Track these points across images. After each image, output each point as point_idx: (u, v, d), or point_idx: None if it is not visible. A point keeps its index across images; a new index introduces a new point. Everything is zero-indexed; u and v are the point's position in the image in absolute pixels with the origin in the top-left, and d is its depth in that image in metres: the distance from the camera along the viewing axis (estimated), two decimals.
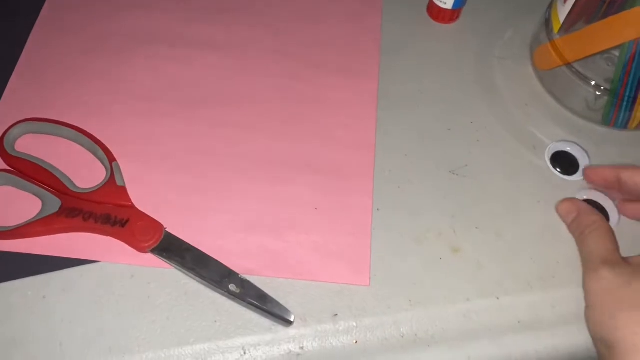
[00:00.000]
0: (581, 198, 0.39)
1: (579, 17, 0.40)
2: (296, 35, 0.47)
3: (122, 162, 0.39)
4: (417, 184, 0.40)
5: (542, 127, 0.43)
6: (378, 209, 0.39)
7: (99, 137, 0.40)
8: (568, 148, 0.41)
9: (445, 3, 0.46)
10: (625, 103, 0.39)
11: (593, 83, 0.40)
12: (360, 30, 0.47)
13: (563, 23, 0.40)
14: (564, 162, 0.41)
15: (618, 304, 0.31)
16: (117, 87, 0.43)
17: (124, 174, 0.38)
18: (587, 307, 0.33)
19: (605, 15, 0.37)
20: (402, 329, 0.35)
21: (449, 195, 0.40)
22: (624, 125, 0.41)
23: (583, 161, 0.41)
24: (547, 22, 0.42)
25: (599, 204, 0.39)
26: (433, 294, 0.36)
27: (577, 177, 0.40)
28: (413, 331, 0.35)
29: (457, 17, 0.48)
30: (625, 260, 0.34)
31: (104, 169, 0.39)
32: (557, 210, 0.39)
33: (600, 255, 0.34)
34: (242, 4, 0.48)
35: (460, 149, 0.42)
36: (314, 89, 0.44)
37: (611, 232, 0.35)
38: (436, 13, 0.47)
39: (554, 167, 0.41)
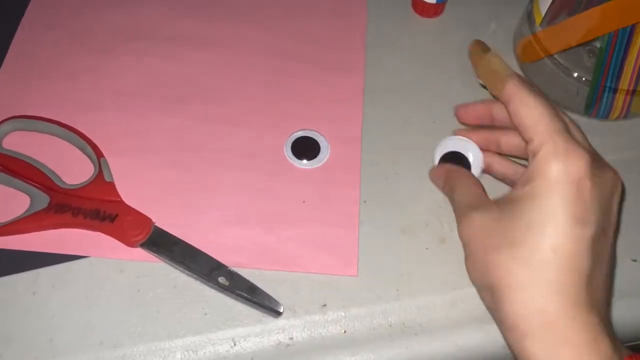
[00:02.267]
0: (446, 150, 0.38)
1: (561, 9, 0.40)
2: (282, 31, 0.47)
3: (110, 158, 0.39)
4: (403, 176, 0.40)
5: None
6: (365, 201, 0.39)
7: (86, 134, 0.40)
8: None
9: None
10: (606, 94, 0.40)
11: (575, 74, 0.41)
12: (346, 25, 0.47)
13: (545, 16, 0.41)
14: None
15: (489, 246, 0.30)
16: (105, 84, 0.43)
17: (112, 170, 0.38)
18: (465, 258, 0.32)
19: (587, 7, 0.38)
20: (390, 319, 0.35)
21: (435, 187, 0.40)
22: (606, 116, 0.42)
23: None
24: (530, 15, 0.43)
25: (462, 154, 0.38)
26: (420, 284, 0.36)
27: None
28: (401, 320, 0.35)
29: (441, 11, 0.48)
30: (494, 201, 0.32)
31: (92, 165, 0.39)
32: (430, 179, 0.39)
33: (469, 202, 0.33)
34: (228, 3, 0.49)
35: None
36: (300, 84, 0.44)
37: (476, 180, 0.35)
38: (420, 7, 0.48)
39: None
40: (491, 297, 0.30)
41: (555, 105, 0.32)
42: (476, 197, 0.33)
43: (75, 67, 0.44)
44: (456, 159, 0.38)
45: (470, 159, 0.38)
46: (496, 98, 0.33)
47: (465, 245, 0.32)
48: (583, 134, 0.32)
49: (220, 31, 0.47)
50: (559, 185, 0.28)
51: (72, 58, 0.44)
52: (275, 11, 0.48)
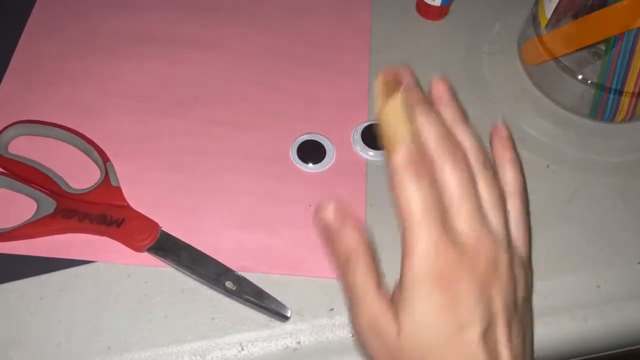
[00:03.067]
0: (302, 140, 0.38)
1: (566, 12, 0.40)
2: (286, 33, 0.47)
3: (116, 162, 0.39)
4: None
5: (530, 120, 0.44)
6: (371, 205, 0.39)
7: (92, 138, 0.40)
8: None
9: (434, 0, 0.46)
10: (611, 96, 0.40)
11: (580, 77, 0.41)
12: (350, 27, 0.47)
13: (550, 18, 0.41)
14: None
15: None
16: (110, 87, 0.43)
17: (118, 174, 0.38)
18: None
19: (591, 10, 0.38)
20: None
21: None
22: (611, 119, 0.42)
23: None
24: (534, 18, 0.43)
25: (318, 143, 0.39)
26: None
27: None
28: None
29: (446, 13, 0.48)
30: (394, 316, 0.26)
31: (98, 169, 0.39)
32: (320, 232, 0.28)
33: (366, 314, 0.26)
34: (232, 2, 0.49)
35: None
36: (305, 86, 0.44)
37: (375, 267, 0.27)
38: (425, 10, 0.48)
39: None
40: None
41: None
42: (377, 310, 0.26)
43: (80, 71, 0.44)
44: (312, 147, 0.40)
45: (328, 146, 0.39)
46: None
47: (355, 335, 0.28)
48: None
49: (225, 34, 0.47)
50: (422, 288, 0.24)
51: (76, 62, 0.44)
52: (280, 14, 0.48)
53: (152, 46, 0.45)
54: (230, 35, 0.47)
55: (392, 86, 0.27)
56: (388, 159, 0.26)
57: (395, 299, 0.26)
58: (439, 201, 0.25)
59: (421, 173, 0.25)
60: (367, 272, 0.26)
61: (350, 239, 0.27)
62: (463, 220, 0.25)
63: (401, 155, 0.25)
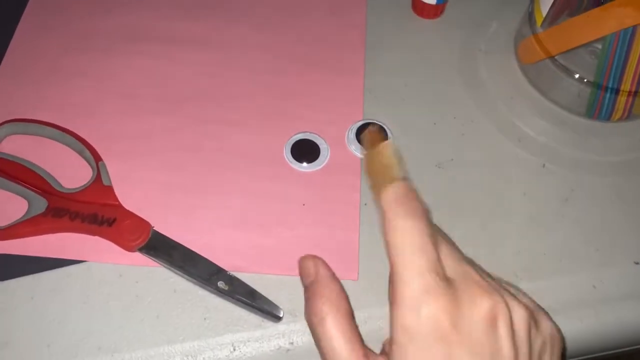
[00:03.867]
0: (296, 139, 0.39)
1: (562, 10, 0.40)
2: (281, 32, 0.47)
3: (108, 161, 0.39)
4: None
5: (527, 119, 0.43)
6: (366, 204, 0.39)
7: (84, 136, 0.39)
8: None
9: None
10: (608, 95, 0.40)
11: (577, 76, 0.41)
12: (345, 25, 0.47)
13: (546, 16, 0.41)
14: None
15: None
16: (102, 86, 0.43)
17: (110, 173, 0.38)
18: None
19: (588, 7, 0.37)
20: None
21: (435, 189, 0.40)
22: (607, 117, 0.42)
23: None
24: (531, 16, 0.43)
25: (313, 142, 0.39)
26: None
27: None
28: None
29: (442, 12, 0.48)
30: None
31: (90, 168, 0.39)
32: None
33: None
34: (226, 1, 0.48)
35: (446, 142, 0.42)
36: (300, 85, 0.44)
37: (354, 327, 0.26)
38: (420, 8, 0.48)
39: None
40: None
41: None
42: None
43: (73, 70, 0.44)
44: (306, 145, 0.40)
45: (323, 145, 0.39)
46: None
47: None
48: (480, 269, 0.26)
49: (218, 32, 0.46)
50: (417, 348, 0.22)
51: (69, 60, 0.44)
52: (274, 12, 0.48)
53: (146, 44, 0.45)
54: (224, 34, 0.46)
55: (378, 137, 0.27)
56: (376, 198, 0.25)
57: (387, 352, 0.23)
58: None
59: (415, 207, 0.24)
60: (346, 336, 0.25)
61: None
62: (463, 267, 0.24)
63: (395, 190, 0.24)
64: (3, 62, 0.44)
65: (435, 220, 0.38)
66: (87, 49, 0.45)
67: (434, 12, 0.48)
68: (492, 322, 0.22)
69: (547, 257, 0.38)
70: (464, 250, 0.37)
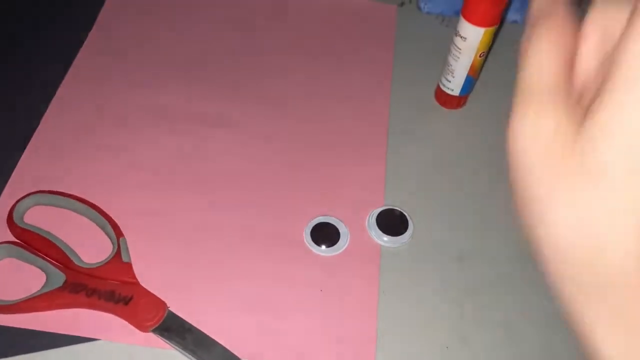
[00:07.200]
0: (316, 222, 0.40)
1: None
2: (306, 117, 0.48)
3: (129, 236, 0.39)
4: (424, 268, 0.40)
5: None
6: (384, 292, 0.38)
7: (107, 210, 0.40)
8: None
9: (453, 90, 0.47)
10: None
11: None
12: (369, 113, 0.48)
13: None
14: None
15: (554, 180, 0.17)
16: (128, 161, 0.44)
17: (130, 249, 0.38)
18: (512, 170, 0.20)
19: None
20: None
21: (458, 282, 0.39)
22: None
23: None
24: None
25: (332, 226, 0.40)
26: None
27: None
28: None
29: (464, 102, 0.49)
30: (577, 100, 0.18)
31: (110, 243, 0.39)
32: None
33: (544, 85, 0.18)
34: (254, 84, 0.50)
35: (469, 234, 0.42)
36: (322, 169, 0.44)
37: (571, 36, 0.19)
38: (443, 99, 0.49)
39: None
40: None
41: None
42: (559, 82, 0.18)
43: (101, 145, 0.44)
44: (326, 229, 0.40)
45: (343, 229, 0.40)
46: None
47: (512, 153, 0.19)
48: None
49: (244, 113, 0.47)
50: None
51: (97, 136, 0.45)
52: (300, 97, 0.49)
53: (172, 122, 0.46)
54: (249, 116, 0.47)
55: None
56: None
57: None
58: None
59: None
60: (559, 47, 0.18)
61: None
62: None
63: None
64: (34, 135, 0.45)
65: (461, 316, 0.37)
66: (116, 125, 0.46)
67: (457, 102, 0.49)
68: None
69: (573, 357, 0.36)
70: (485, 349, 0.36)
